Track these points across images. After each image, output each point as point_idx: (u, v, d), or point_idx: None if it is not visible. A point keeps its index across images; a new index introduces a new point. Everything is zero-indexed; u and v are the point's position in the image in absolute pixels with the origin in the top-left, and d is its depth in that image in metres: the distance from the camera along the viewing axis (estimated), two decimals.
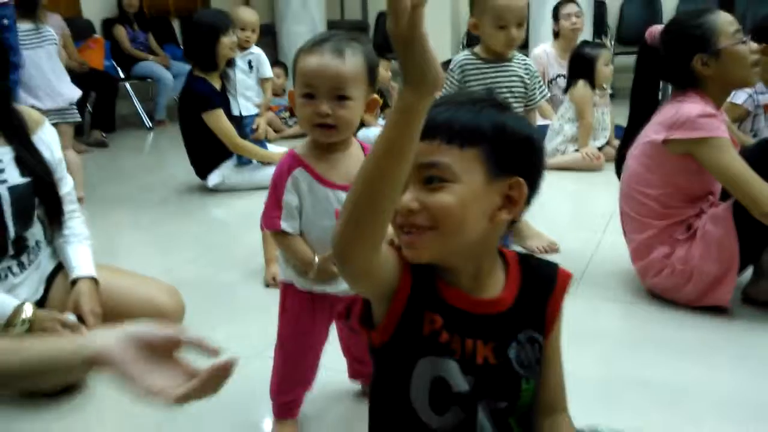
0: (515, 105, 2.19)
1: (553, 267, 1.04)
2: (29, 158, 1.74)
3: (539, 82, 2.35)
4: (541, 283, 1.01)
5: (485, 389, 0.96)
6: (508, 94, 2.22)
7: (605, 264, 2.42)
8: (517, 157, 0.92)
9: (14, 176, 1.71)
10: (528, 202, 0.95)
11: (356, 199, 0.80)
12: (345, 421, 1.55)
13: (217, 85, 3.59)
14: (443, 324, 0.93)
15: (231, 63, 3.68)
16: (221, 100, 3.57)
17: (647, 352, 1.84)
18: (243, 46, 3.82)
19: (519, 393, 0.98)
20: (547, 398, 1.04)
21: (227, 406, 1.60)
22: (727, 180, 1.89)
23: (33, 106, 2.49)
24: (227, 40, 3.49)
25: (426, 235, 0.89)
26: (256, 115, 3.93)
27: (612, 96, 6.24)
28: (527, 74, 2.30)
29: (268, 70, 4.07)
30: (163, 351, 0.90)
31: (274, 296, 1.48)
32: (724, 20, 1.94)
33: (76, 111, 3.62)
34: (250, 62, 3.95)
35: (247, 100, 3.87)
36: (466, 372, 0.94)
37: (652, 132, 2.00)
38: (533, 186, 0.95)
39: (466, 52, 2.27)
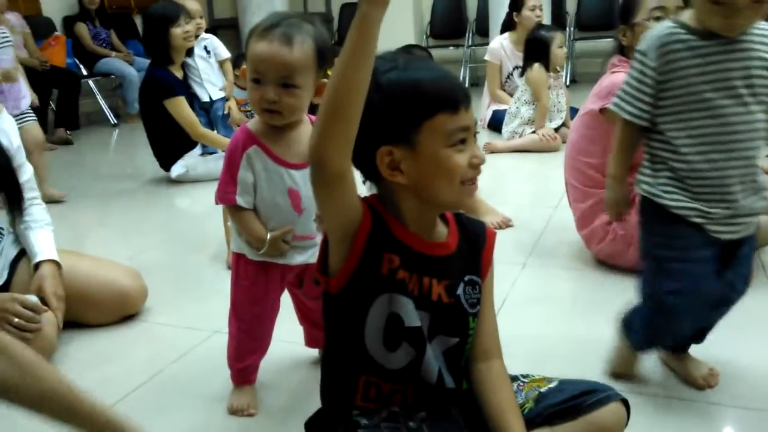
0: (755, 104, 1.37)
1: (481, 224, 1.15)
2: None
3: None
4: (474, 236, 1.12)
5: (439, 325, 1.05)
6: (743, 90, 1.35)
7: (557, 235, 2.52)
8: None
9: None
10: None
11: (327, 105, 0.87)
12: (302, 386, 1.61)
13: (179, 75, 3.62)
14: (401, 263, 1.01)
15: (190, 53, 3.72)
16: (183, 88, 3.60)
17: (591, 313, 1.93)
18: (196, 35, 3.86)
19: (468, 330, 1.08)
20: (482, 344, 1.12)
21: (191, 379, 1.67)
22: None
23: None
24: (178, 30, 3.51)
25: None
26: (225, 98, 3.98)
27: (574, 81, 6.43)
28: None
29: (224, 52, 4.12)
30: None
31: None
32: None
33: (31, 113, 3.60)
34: (206, 48, 3.99)
35: (213, 85, 3.93)
36: (420, 308, 1.03)
37: (590, 103, 2.11)
38: None
39: (669, 23, 1.41)
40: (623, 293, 2.02)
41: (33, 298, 1.72)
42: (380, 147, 0.98)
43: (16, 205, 1.86)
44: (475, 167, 1.00)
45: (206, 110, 3.83)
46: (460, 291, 1.07)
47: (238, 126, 3.94)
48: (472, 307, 1.09)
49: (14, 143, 1.87)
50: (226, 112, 3.90)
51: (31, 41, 5.32)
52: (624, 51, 2.08)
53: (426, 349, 1.04)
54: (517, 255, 2.35)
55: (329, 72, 1.39)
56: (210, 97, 3.87)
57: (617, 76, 2.03)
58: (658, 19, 1.98)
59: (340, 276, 1.01)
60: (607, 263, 2.19)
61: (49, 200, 2.82)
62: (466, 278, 1.08)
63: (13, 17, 5.21)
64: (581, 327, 1.84)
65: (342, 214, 0.97)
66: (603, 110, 2.04)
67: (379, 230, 1.00)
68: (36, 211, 1.92)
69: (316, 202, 0.97)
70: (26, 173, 1.90)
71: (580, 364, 1.64)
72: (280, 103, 1.31)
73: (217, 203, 1.47)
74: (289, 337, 1.67)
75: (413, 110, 0.97)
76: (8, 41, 3.61)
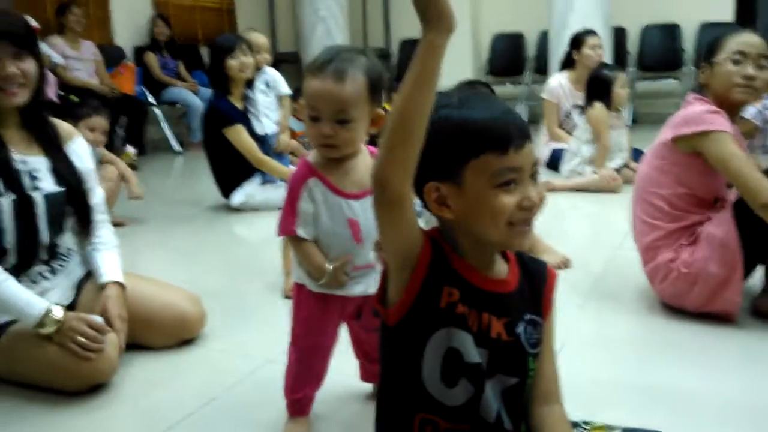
0: None
1: (542, 264, 1.14)
2: (63, 168, 1.85)
3: None
4: (536, 275, 1.11)
5: (498, 363, 1.03)
6: None
7: (618, 277, 2.46)
8: None
9: (49, 184, 1.82)
10: None
11: (391, 128, 0.90)
12: (356, 420, 1.59)
13: (240, 106, 3.72)
14: (460, 297, 1.00)
15: (251, 84, 3.81)
16: (242, 118, 3.70)
17: (654, 357, 1.87)
18: (258, 67, 3.96)
19: (527, 371, 1.06)
20: (542, 387, 1.10)
21: (245, 407, 1.67)
22: (727, 171, 1.95)
23: None
24: (234, 62, 3.60)
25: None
26: (278, 132, 4.07)
27: (635, 122, 6.33)
28: None
29: (283, 87, 4.21)
30: None
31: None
32: (735, 39, 2.03)
33: None
34: (266, 82, 4.09)
35: (269, 118, 4.02)
36: (479, 345, 1.01)
37: (663, 135, 2.09)
38: None
39: None
40: (688, 337, 1.97)
41: (98, 319, 1.75)
42: (428, 182, 0.99)
43: (85, 226, 1.92)
44: (526, 209, 0.98)
45: (261, 142, 3.92)
46: (520, 330, 1.05)
47: (293, 155, 4.03)
48: (533, 347, 1.07)
49: (87, 166, 1.94)
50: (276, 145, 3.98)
51: (102, 69, 5.56)
52: (702, 89, 2.09)
53: (485, 387, 1.02)
54: (575, 296, 2.29)
55: (386, 105, 1.41)
56: (264, 131, 3.96)
57: (692, 107, 2.04)
58: (736, 62, 1.98)
59: (397, 307, 1.01)
60: (671, 306, 2.12)
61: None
62: (526, 317, 1.07)
63: (86, 45, 5.47)
64: (643, 372, 1.78)
65: (402, 240, 0.97)
66: (675, 139, 2.02)
67: (439, 262, 1.00)
68: (104, 233, 1.98)
69: (378, 225, 0.97)
70: (96, 196, 1.96)
71: (642, 411, 1.58)
72: (335, 137, 1.35)
73: (278, 235, 1.48)
74: (343, 370, 1.65)
75: (459, 148, 0.97)
76: None
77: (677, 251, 2.05)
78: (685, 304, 2.07)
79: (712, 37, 2.15)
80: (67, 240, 1.94)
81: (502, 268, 1.07)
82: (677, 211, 2.06)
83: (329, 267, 1.41)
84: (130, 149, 4.38)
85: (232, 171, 3.75)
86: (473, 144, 0.97)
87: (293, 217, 1.41)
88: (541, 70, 6.81)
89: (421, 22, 0.87)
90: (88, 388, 1.73)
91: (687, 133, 1.99)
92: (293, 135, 5.05)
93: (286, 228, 1.42)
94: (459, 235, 1.02)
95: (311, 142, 1.41)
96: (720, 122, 1.96)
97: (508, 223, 0.98)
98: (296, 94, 5.36)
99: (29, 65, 1.75)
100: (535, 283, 1.10)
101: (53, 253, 1.88)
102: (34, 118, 1.83)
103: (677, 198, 2.06)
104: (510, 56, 7.44)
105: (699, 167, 2.01)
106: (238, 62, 3.61)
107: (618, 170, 3.99)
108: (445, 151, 0.97)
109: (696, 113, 2.00)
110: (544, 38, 6.70)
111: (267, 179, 3.78)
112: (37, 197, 1.78)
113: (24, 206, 1.75)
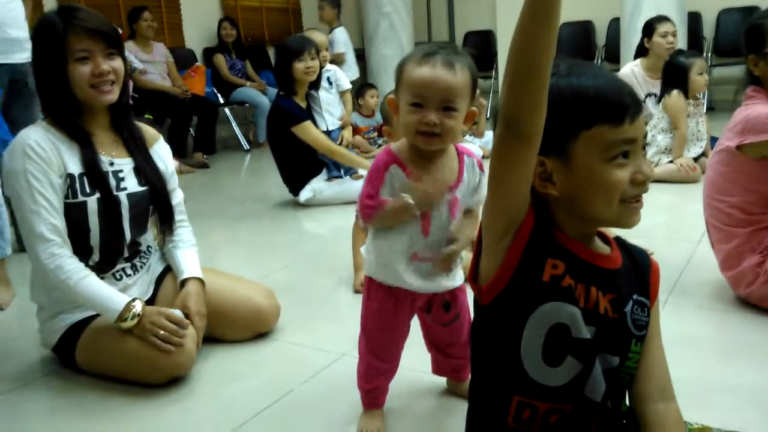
0: None
1: (644, 251, 1.09)
2: (147, 169, 1.90)
3: None
4: (640, 259, 1.06)
5: (604, 342, 0.98)
6: None
7: (699, 273, 2.36)
8: None
9: (133, 185, 1.88)
10: None
11: (513, 66, 0.84)
12: (430, 414, 1.58)
13: (303, 104, 3.76)
14: (566, 270, 0.94)
15: (317, 85, 3.83)
16: (307, 115, 3.73)
17: (740, 357, 1.78)
18: (321, 66, 3.99)
19: (628, 352, 1.01)
20: (657, 382, 1.05)
21: (320, 400, 1.68)
22: None
23: None
24: (300, 65, 3.63)
25: None
26: (341, 128, 4.09)
27: (711, 109, 6.08)
28: None
29: (345, 83, 4.23)
30: None
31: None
32: None
33: None
34: (328, 78, 4.11)
35: (331, 115, 4.04)
36: (588, 322, 0.96)
37: (726, 139, 1.99)
38: None
39: None
40: None
41: (178, 313, 1.80)
42: None
43: (167, 225, 1.97)
44: (639, 184, 0.93)
45: None
46: (627, 309, 1.00)
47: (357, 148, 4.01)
48: (639, 329, 1.01)
49: (169, 168, 1.99)
50: (339, 141, 4.00)
51: (174, 71, 5.71)
52: (759, 81, 1.97)
53: (595, 364, 0.97)
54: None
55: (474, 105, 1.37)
56: (327, 127, 3.98)
57: (752, 109, 1.91)
58: None
59: (494, 281, 0.95)
60: (753, 305, 2.02)
61: None
62: (634, 297, 1.01)
63: (159, 48, 5.64)
64: (728, 372, 1.70)
65: (515, 192, 0.91)
66: (740, 147, 1.92)
67: (542, 233, 0.94)
68: (183, 232, 2.03)
69: (494, 175, 0.91)
70: (177, 197, 2.01)
71: (731, 413, 1.51)
72: (441, 125, 1.31)
73: (363, 225, 1.46)
74: (416, 365, 1.65)
75: (571, 119, 0.91)
76: None
77: (763, 254, 1.95)
78: None
79: None
80: (148, 238, 1.99)
81: (604, 247, 1.02)
82: (751, 215, 1.96)
83: (407, 198, 1.33)
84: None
85: (298, 168, 3.80)
86: (586, 114, 0.90)
87: (374, 205, 1.37)
88: (613, 58, 6.62)
89: None
90: (168, 380, 1.78)
91: (753, 141, 1.88)
92: (356, 131, 5.08)
93: (365, 211, 1.38)
94: (557, 211, 0.97)
95: (405, 129, 1.34)
96: None
97: (620, 199, 0.92)
98: (361, 90, 5.38)
99: (119, 64, 1.80)
100: (639, 266, 1.04)
101: (135, 251, 1.94)
102: (122, 119, 1.89)
103: (750, 204, 1.96)
104: (579, 45, 7.24)
105: None
106: (304, 66, 3.65)
107: (696, 159, 3.84)
108: (554, 122, 0.89)
109: (760, 118, 1.87)
110: (616, 26, 6.50)
111: (332, 175, 3.81)
112: (122, 197, 1.84)
113: (109, 206, 1.81)
